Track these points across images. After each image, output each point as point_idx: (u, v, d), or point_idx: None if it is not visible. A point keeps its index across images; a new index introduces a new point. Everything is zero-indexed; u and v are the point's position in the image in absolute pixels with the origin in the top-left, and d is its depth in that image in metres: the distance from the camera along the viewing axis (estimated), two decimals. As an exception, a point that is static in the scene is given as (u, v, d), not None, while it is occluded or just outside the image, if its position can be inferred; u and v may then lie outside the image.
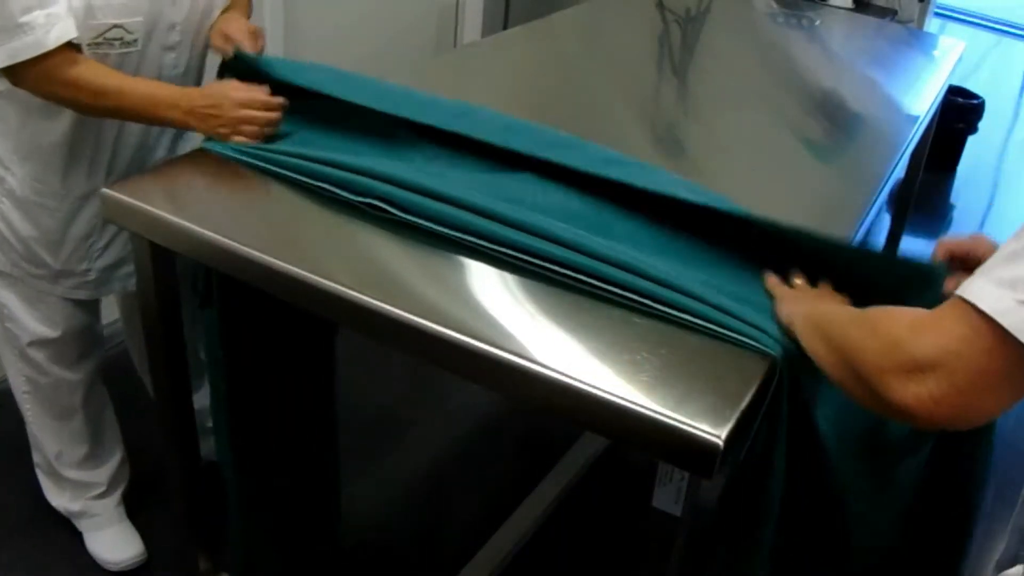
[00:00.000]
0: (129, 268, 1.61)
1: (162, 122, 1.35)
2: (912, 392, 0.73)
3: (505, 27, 3.29)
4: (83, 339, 1.67)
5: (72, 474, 1.81)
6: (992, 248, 1.09)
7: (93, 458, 1.82)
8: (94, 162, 1.49)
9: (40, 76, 1.26)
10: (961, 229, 3.72)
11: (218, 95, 1.30)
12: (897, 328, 0.76)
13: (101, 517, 1.86)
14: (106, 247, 1.58)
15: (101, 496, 1.85)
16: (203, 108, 1.29)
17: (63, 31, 1.23)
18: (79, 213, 1.53)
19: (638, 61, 2.06)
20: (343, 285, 1.06)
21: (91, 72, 1.28)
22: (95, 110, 1.33)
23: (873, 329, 0.80)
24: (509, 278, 1.11)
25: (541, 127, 1.40)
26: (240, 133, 1.30)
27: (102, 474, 1.84)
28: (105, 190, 1.22)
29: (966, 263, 1.07)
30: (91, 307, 1.67)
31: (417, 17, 3.12)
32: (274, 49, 2.56)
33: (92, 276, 1.59)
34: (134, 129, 1.49)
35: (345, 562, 1.91)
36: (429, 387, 2.43)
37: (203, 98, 1.31)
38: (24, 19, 1.20)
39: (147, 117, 1.33)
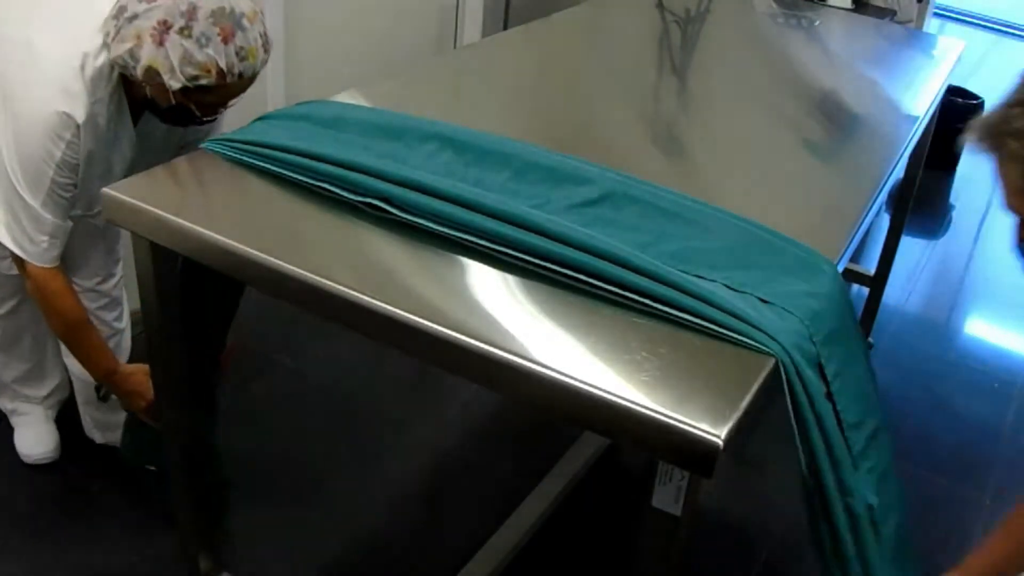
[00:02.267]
0: None
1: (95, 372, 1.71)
2: None
3: (505, 27, 3.30)
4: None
5: (15, 385, 2.01)
6: None
7: (35, 376, 2.01)
8: None
9: (28, 272, 1.60)
10: (961, 229, 3.73)
11: (141, 389, 1.68)
12: None
13: (30, 416, 2.04)
14: None
15: (36, 403, 2.04)
16: (126, 389, 1.69)
17: (54, 258, 1.60)
18: None
19: (638, 61, 2.06)
20: (343, 285, 1.06)
21: (59, 297, 1.62)
22: (46, 316, 1.67)
23: None
24: (509, 278, 1.11)
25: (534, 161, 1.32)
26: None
27: (42, 389, 2.02)
28: (105, 190, 1.22)
29: None
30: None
31: (417, 17, 3.12)
32: (274, 49, 2.56)
33: None
34: None
35: (345, 562, 1.91)
36: (429, 387, 2.43)
37: (128, 383, 1.69)
38: (40, 238, 1.56)
39: (81, 359, 1.71)
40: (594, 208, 1.21)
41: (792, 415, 1.01)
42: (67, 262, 1.80)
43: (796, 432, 1.02)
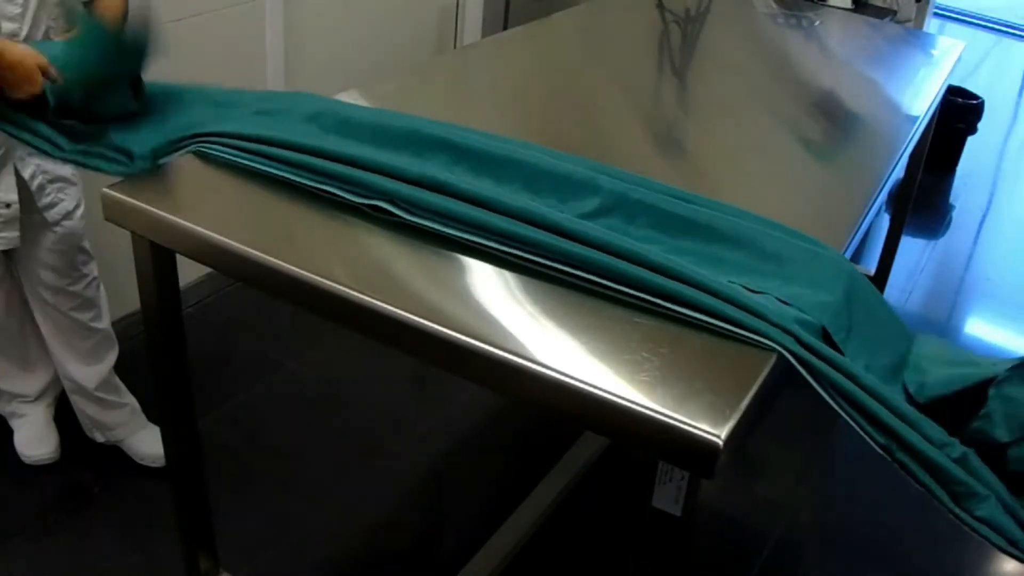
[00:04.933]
0: None
1: None
2: None
3: (505, 27, 3.30)
4: None
5: (3, 384, 2.01)
6: None
7: (22, 371, 1.99)
8: None
9: None
10: (961, 229, 3.73)
11: (20, 55, 1.32)
12: None
13: (29, 417, 2.03)
14: None
15: (30, 402, 2.03)
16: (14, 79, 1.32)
17: None
18: None
19: (638, 62, 2.06)
20: (343, 285, 1.06)
21: None
22: None
23: None
24: (510, 278, 1.11)
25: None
26: (21, 92, 1.32)
27: (31, 385, 2.02)
28: (105, 190, 1.22)
29: None
30: None
31: (417, 17, 3.13)
32: (274, 49, 2.56)
33: None
34: None
35: (345, 562, 1.91)
36: (429, 387, 2.43)
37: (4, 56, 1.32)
38: None
39: None
40: (607, 219, 1.20)
41: (832, 397, 0.99)
42: (30, 264, 1.82)
43: (846, 413, 0.99)
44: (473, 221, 1.14)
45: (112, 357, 1.97)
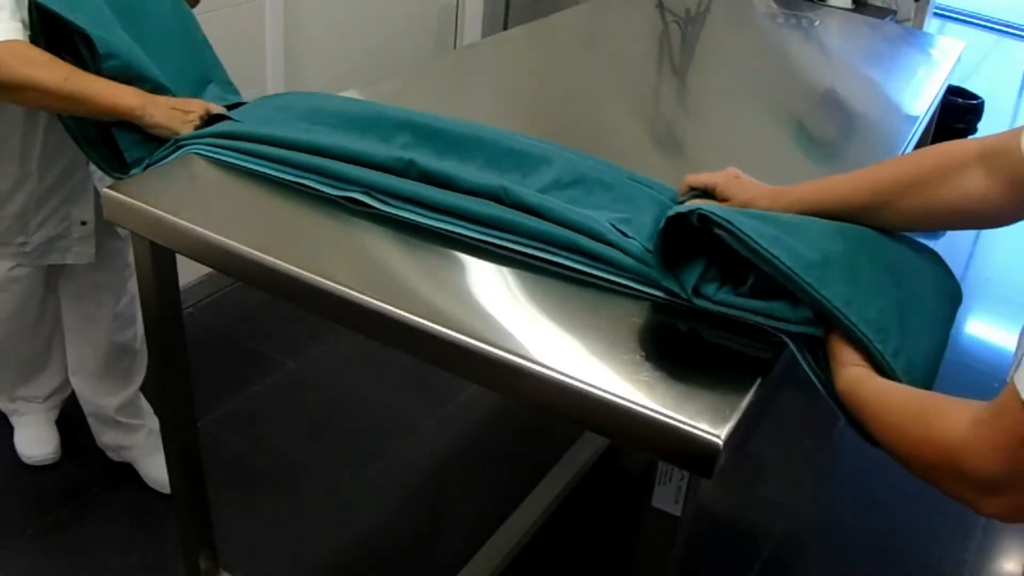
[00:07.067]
0: (65, 242, 1.72)
1: (122, 111, 1.36)
2: (992, 506, 0.75)
3: (505, 27, 3.30)
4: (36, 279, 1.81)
5: (14, 385, 2.01)
6: (741, 183, 1.19)
7: (39, 375, 1.98)
8: (24, 153, 1.60)
9: None
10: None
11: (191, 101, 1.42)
12: (954, 450, 0.79)
13: (30, 417, 2.03)
14: (41, 224, 1.69)
15: (35, 402, 2.03)
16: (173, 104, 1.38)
17: (6, 32, 1.32)
18: (13, 195, 1.64)
19: (638, 61, 2.06)
20: (343, 285, 1.06)
21: (39, 66, 1.33)
22: (51, 99, 1.36)
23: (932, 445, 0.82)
24: (509, 277, 1.11)
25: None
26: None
27: (41, 388, 2.01)
28: (105, 190, 1.22)
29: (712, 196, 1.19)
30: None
31: (417, 18, 3.13)
32: (274, 49, 2.56)
33: (29, 248, 1.71)
34: (58, 126, 1.52)
35: (345, 561, 1.91)
36: (429, 387, 2.43)
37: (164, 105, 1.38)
38: None
39: (106, 107, 1.35)
40: (569, 190, 1.21)
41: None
42: (79, 283, 1.82)
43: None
44: (446, 207, 1.15)
45: (139, 378, 1.95)
